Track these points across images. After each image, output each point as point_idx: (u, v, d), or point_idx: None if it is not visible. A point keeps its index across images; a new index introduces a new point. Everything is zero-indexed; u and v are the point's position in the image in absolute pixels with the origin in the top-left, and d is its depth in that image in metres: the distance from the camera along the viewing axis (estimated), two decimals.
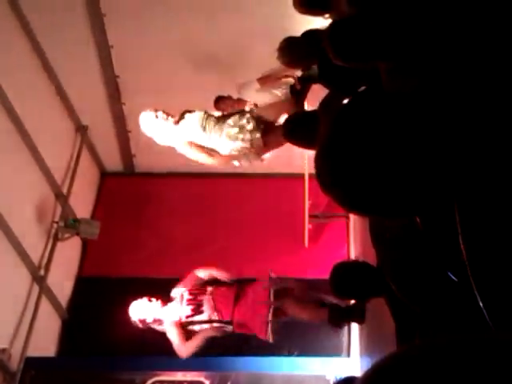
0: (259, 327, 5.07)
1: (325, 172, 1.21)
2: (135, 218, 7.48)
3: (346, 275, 2.83)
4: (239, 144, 5.08)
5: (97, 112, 7.24)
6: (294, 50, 4.27)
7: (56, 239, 6.54)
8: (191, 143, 5.21)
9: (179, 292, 5.38)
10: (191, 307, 5.21)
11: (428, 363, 0.66)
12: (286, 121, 3.94)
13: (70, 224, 6.49)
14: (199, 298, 5.26)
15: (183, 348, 5.15)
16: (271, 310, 5.07)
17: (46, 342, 6.41)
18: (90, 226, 6.58)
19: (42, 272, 6.29)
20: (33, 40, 6.17)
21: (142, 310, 5.30)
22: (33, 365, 5.83)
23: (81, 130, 7.30)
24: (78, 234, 6.60)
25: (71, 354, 6.45)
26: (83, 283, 7.08)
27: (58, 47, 6.35)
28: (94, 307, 6.70)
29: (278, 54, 4.36)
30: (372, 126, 1.17)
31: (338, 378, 5.14)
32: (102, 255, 7.11)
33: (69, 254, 6.95)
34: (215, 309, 5.16)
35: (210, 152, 5.24)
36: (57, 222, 6.56)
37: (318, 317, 5.09)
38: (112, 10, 6.18)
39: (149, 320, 5.27)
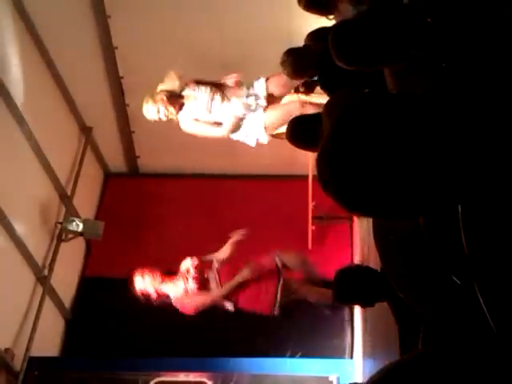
0: (265, 302, 5.08)
1: (327, 173, 1.21)
2: (139, 219, 7.48)
3: (349, 281, 2.82)
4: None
5: (101, 113, 7.25)
6: (295, 61, 4.28)
7: (60, 240, 6.55)
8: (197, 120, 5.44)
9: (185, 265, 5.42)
10: (197, 285, 5.28)
11: (434, 372, 0.66)
12: (290, 123, 3.93)
13: (74, 225, 6.49)
14: (205, 274, 5.36)
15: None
16: (280, 287, 5.09)
17: (49, 342, 6.41)
18: (94, 227, 6.58)
19: (45, 272, 6.29)
20: (38, 41, 6.18)
21: (144, 284, 5.34)
22: (36, 365, 5.83)
23: (85, 131, 7.31)
24: (81, 235, 6.61)
25: (74, 355, 6.45)
26: (87, 284, 7.09)
27: (62, 49, 6.37)
28: (98, 308, 6.71)
29: (282, 67, 4.37)
30: (375, 127, 1.17)
31: (343, 383, 5.13)
32: (106, 256, 7.11)
33: (73, 254, 6.96)
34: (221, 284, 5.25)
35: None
36: (61, 223, 6.56)
37: (324, 297, 5.13)
38: (117, 12, 6.20)
39: (153, 295, 5.32)
